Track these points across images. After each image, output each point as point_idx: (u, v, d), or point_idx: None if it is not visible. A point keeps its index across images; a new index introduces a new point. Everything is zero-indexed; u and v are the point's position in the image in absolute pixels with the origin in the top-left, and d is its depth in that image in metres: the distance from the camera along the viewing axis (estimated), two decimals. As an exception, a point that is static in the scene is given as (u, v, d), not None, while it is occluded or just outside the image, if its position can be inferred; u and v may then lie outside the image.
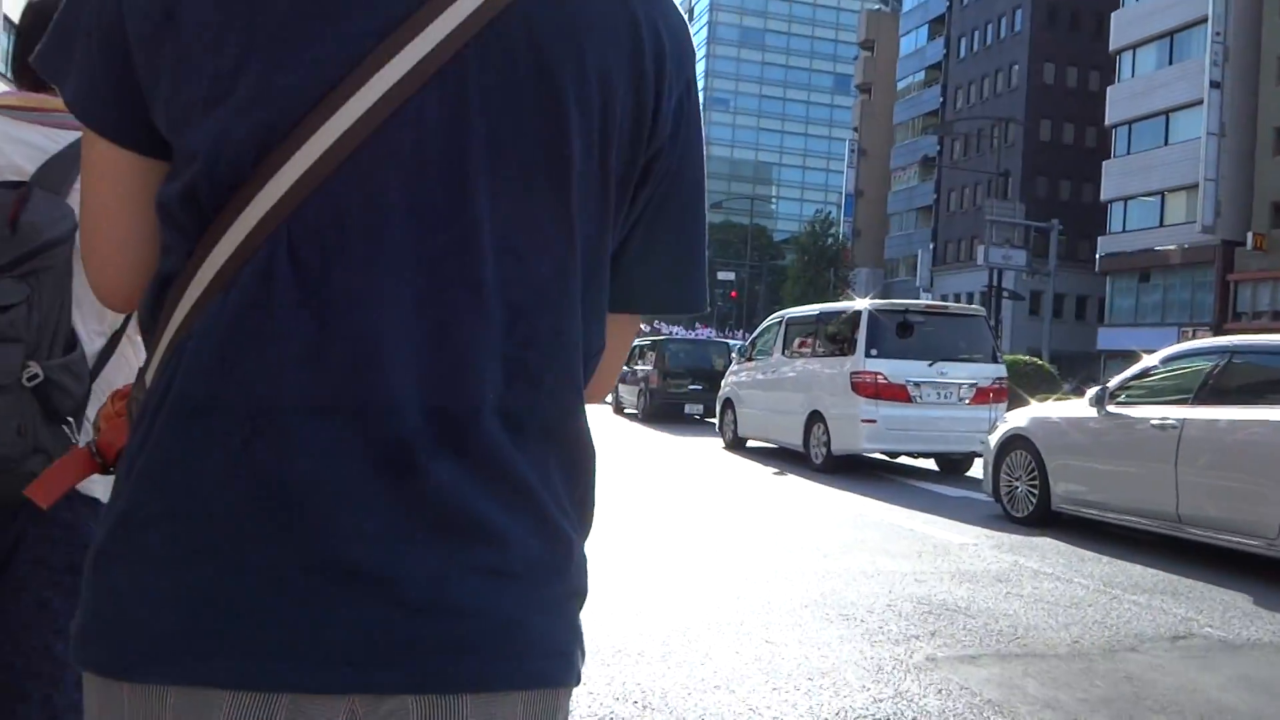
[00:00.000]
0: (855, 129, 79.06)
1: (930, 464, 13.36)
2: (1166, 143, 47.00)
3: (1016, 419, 9.09)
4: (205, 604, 0.80)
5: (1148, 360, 8.16)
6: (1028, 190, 55.05)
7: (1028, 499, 8.69)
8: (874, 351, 11.67)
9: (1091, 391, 8.17)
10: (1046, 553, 7.42)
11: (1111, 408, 7.93)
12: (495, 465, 0.85)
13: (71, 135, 1.69)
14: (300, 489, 0.81)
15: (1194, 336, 44.62)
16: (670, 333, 34.16)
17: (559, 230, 0.88)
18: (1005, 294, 41.56)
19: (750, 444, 15.22)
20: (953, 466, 12.76)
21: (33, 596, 1.66)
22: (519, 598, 0.86)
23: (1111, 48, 50.18)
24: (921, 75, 69.37)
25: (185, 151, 0.84)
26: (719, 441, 15.96)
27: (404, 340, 0.83)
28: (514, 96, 0.85)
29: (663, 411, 20.52)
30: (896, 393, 11.59)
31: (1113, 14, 50.05)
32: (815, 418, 12.47)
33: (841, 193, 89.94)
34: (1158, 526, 7.44)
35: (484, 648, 0.84)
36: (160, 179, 0.88)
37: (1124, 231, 49.55)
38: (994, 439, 9.21)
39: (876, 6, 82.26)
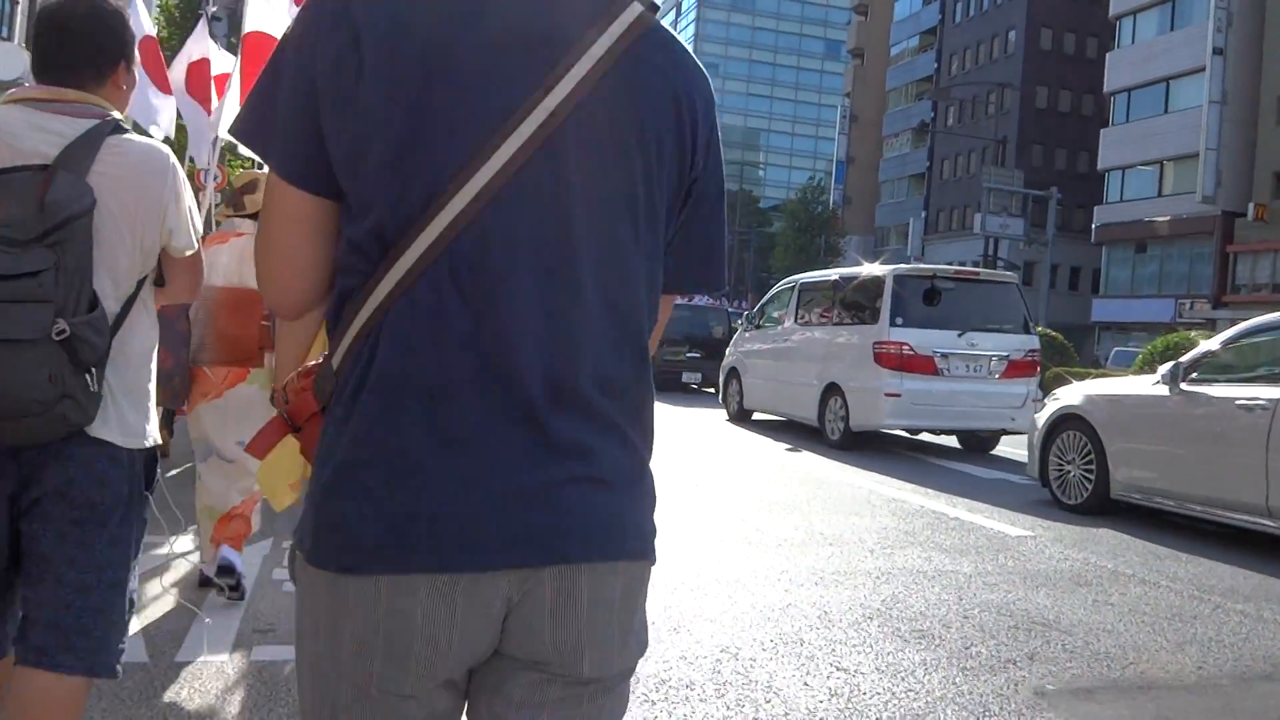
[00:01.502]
0: (847, 94, 77.75)
1: (952, 441, 12.55)
2: (1166, 111, 46.06)
3: (1069, 396, 8.25)
4: (407, 520, 1.15)
5: (1222, 335, 7.30)
6: (1023, 158, 54.11)
7: (1081, 485, 7.87)
8: (899, 320, 10.80)
9: (1164, 368, 7.31)
10: (1117, 549, 6.60)
11: (1186, 386, 7.09)
12: (591, 413, 1.22)
13: (88, 123, 2.17)
14: (467, 437, 1.16)
15: (1192, 309, 44.06)
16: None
17: (633, 246, 1.25)
18: (1000, 263, 40.78)
19: (756, 416, 14.38)
20: (979, 444, 11.96)
21: (54, 529, 2.17)
22: (612, 497, 1.23)
23: (1111, 13, 49.08)
24: (916, 40, 68.10)
25: (364, 199, 1.19)
26: (722, 413, 15.11)
27: (530, 332, 1.18)
28: (597, 156, 1.21)
29: (659, 380, 19.58)
30: (923, 365, 10.73)
31: (1114, -23, 48.97)
32: (832, 390, 11.61)
33: (831, 160, 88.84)
34: (1242, 520, 6.63)
35: (590, 534, 1.21)
36: (328, 215, 1.25)
37: (1121, 201, 48.65)
38: (1042, 418, 8.37)
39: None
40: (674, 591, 4.89)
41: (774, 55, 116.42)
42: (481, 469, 1.15)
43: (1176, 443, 7.11)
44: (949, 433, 11.92)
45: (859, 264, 13.71)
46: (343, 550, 1.15)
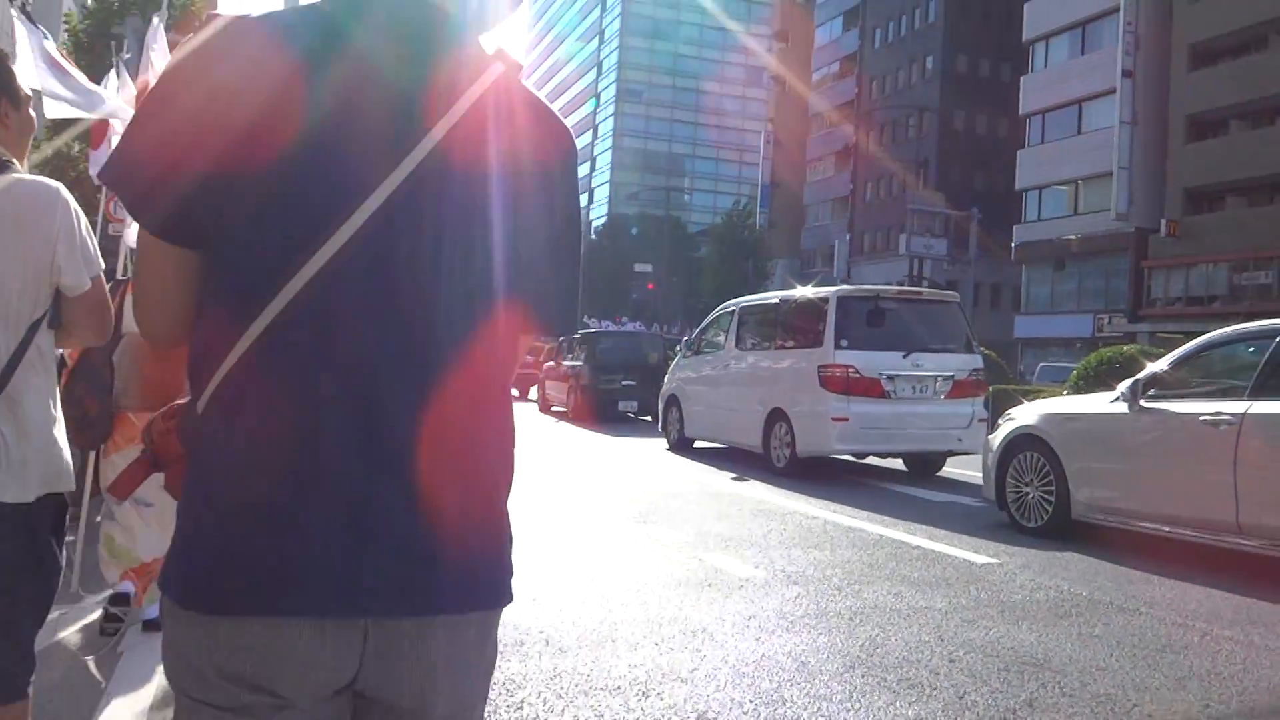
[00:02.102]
0: (770, 120, 78.39)
1: (897, 464, 12.34)
2: (1080, 132, 47.04)
3: (1024, 416, 8.05)
4: (273, 564, 1.18)
5: (1180, 350, 7.14)
6: (943, 180, 54.91)
7: (1041, 507, 7.65)
8: (844, 342, 10.57)
9: (1122, 386, 7.13)
10: (1087, 574, 6.36)
11: (1145, 403, 6.91)
12: (449, 460, 1.26)
13: None
14: (332, 483, 1.20)
15: (1110, 323, 44.83)
16: (600, 326, 32.93)
17: (485, 294, 1.29)
18: (925, 283, 41.15)
19: (698, 444, 14.06)
20: (925, 467, 11.75)
21: None
22: (472, 545, 1.30)
23: (1025, 38, 50.08)
24: (836, 66, 68.89)
25: (229, 253, 1.22)
26: (662, 442, 14.76)
27: (390, 381, 1.23)
28: (453, 211, 1.26)
29: (594, 409, 19.25)
30: (870, 387, 10.51)
31: (1025, 4, 49.92)
32: (777, 416, 11.33)
33: (756, 184, 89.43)
34: (1210, 538, 6.44)
35: (449, 584, 1.28)
36: (196, 263, 1.27)
37: (1039, 220, 49.52)
38: (996, 439, 8.15)
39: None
40: (636, 648, 4.51)
41: (697, 81, 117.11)
42: (346, 514, 1.20)
43: (1139, 461, 6.92)
44: (895, 455, 11.70)
45: (791, 287, 13.50)
46: (211, 593, 1.19)
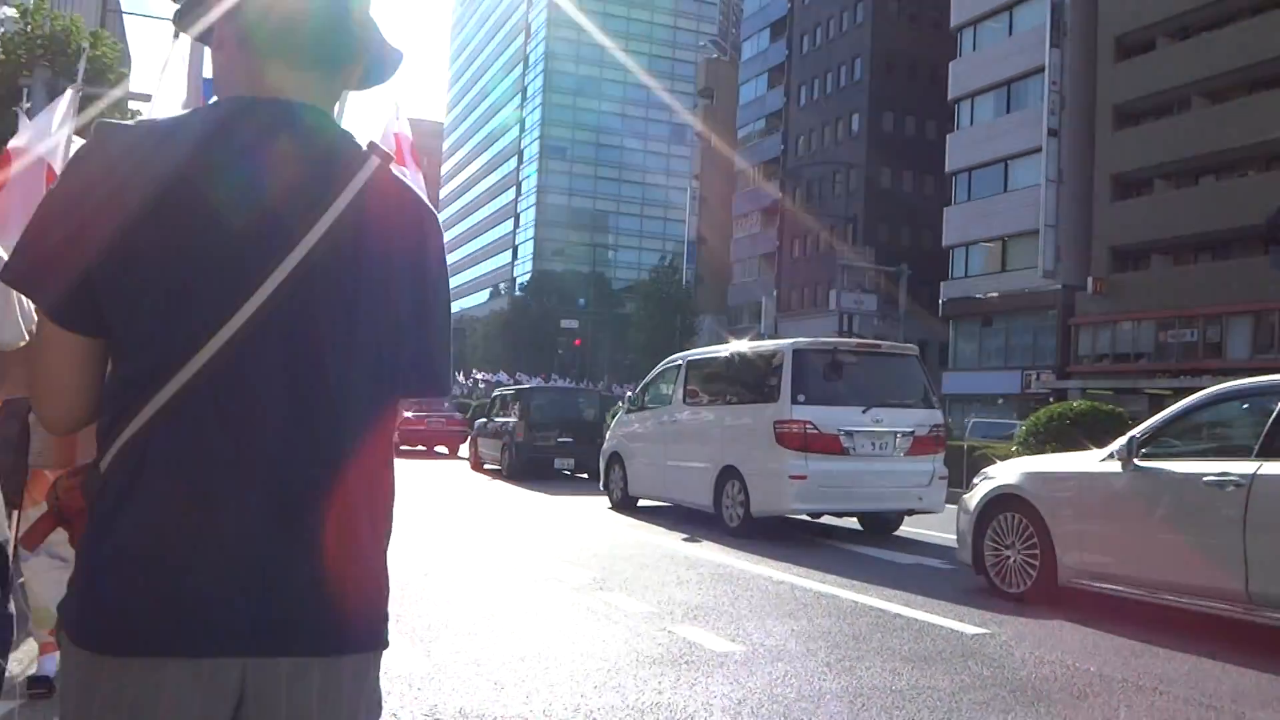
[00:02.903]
0: (696, 176, 78.85)
1: (852, 522, 11.87)
2: (1006, 189, 47.79)
3: (1003, 475, 7.61)
4: (159, 608, 1.29)
5: (1173, 408, 6.76)
6: (870, 237, 55.43)
7: (1024, 571, 7.19)
8: (801, 397, 10.11)
9: (1116, 445, 6.71)
10: (1087, 647, 5.89)
11: (1141, 462, 6.50)
12: (332, 516, 1.38)
13: None
14: (219, 538, 1.32)
15: (1038, 380, 45.27)
16: (529, 383, 32.31)
17: (366, 364, 1.42)
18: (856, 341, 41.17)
19: (642, 503, 13.46)
20: (882, 525, 11.29)
21: None
22: (348, 591, 1.40)
23: (950, 96, 50.96)
24: (762, 123, 69.60)
25: (131, 340, 1.35)
26: (603, 500, 14.12)
27: (281, 448, 1.35)
28: (336, 294, 1.39)
29: (530, 467, 18.54)
30: (828, 444, 10.04)
31: (951, 63, 50.88)
32: (729, 474, 10.81)
33: (680, 241, 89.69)
34: (1218, 608, 6.01)
35: (326, 628, 1.38)
36: (96, 349, 1.40)
37: (966, 277, 50.09)
38: (973, 499, 7.70)
39: (715, 55, 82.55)
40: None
41: (620, 139, 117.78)
42: (229, 566, 1.31)
43: (1136, 525, 6.50)
44: (853, 514, 11.23)
45: (722, 341, 13.08)
46: (102, 633, 1.30)
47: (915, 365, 10.97)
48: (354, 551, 1.39)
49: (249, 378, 1.33)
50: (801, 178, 60.91)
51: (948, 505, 11.15)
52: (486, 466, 20.80)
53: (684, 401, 12.10)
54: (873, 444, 10.22)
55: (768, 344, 11.51)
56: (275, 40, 1.43)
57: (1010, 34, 47.89)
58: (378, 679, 1.51)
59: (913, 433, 10.41)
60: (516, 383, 31.62)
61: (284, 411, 1.34)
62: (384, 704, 1.57)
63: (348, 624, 1.39)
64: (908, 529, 11.51)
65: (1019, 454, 15.47)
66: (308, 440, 1.36)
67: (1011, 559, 7.30)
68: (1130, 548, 6.48)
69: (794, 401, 10.06)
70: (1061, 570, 6.91)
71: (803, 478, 9.92)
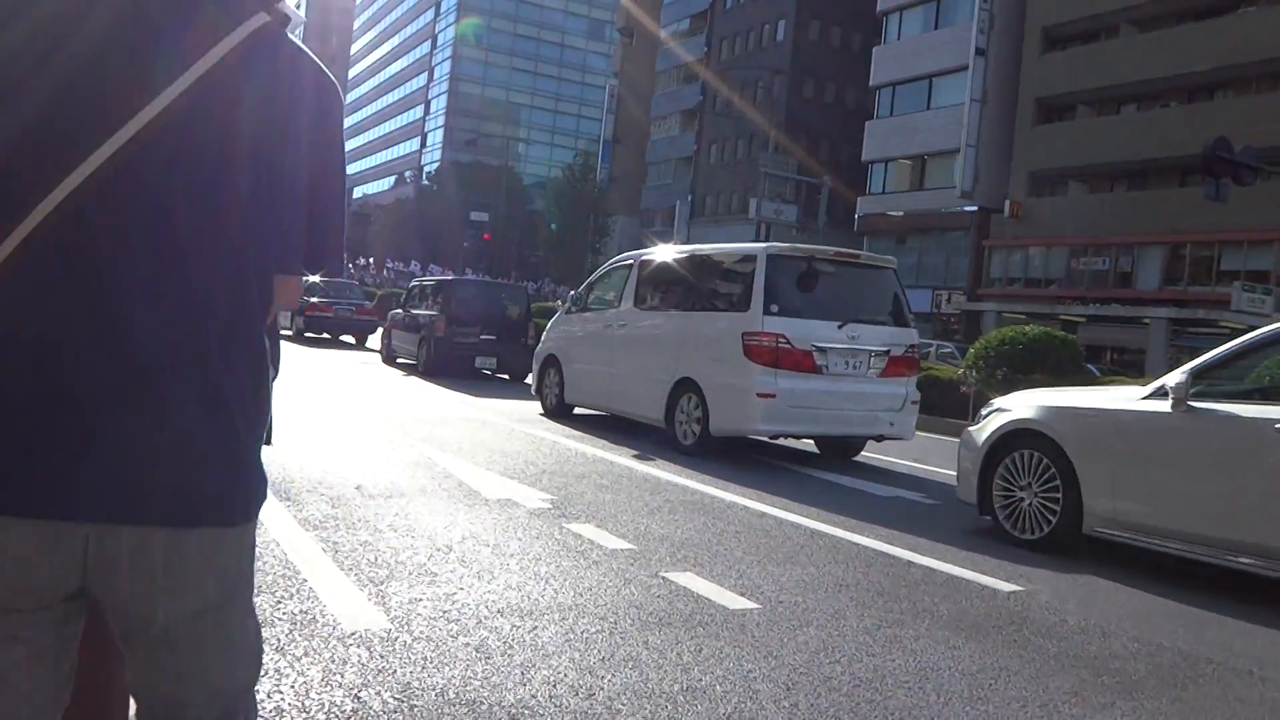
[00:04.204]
0: (615, 74, 76.66)
1: (806, 445, 11.09)
2: (929, 107, 47.21)
3: (1018, 407, 6.80)
4: (4, 464, 1.27)
5: (1234, 343, 5.97)
6: (787, 147, 54.49)
7: (1040, 516, 6.44)
8: (774, 308, 9.16)
9: (1170, 381, 5.90)
10: (1145, 614, 5.14)
11: (1196, 403, 5.73)
12: (192, 383, 1.36)
13: None
14: (68, 393, 1.28)
15: (949, 300, 45.29)
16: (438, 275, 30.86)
17: (237, 232, 1.37)
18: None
19: (578, 411, 12.48)
20: (840, 450, 10.52)
21: None
22: (205, 462, 1.39)
23: (879, 9, 49.93)
24: (686, 24, 67.62)
25: None
26: (533, 405, 13.12)
27: (136, 308, 1.30)
28: (202, 152, 1.33)
29: (449, 364, 17.39)
30: (800, 360, 9.15)
31: (882, -26, 49.78)
32: (685, 387, 9.87)
33: (593, 139, 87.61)
34: (1272, 567, 5.30)
35: (177, 497, 1.36)
36: None
37: (884, 193, 49.65)
38: (982, 433, 6.90)
39: (642, -52, 79.69)
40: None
41: (538, 31, 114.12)
42: (78, 425, 1.27)
43: (1186, 472, 5.75)
44: (818, 438, 10.42)
45: (649, 244, 12.10)
46: None
47: (892, 279, 10.09)
48: (210, 425, 1.35)
49: (96, 235, 1.28)
50: (724, 81, 59.48)
51: (919, 433, 10.45)
52: (400, 361, 19.58)
53: (635, 305, 11.06)
54: (846, 363, 9.37)
55: (736, 247, 10.53)
56: None
57: (945, -52, 46.87)
58: (242, 557, 1.47)
59: (888, 352, 9.58)
60: (428, 274, 30.10)
61: (137, 273, 1.30)
62: (341, 676, 1.59)
63: (196, 495, 1.35)
64: (866, 455, 10.78)
65: (970, 377, 14.87)
66: (162, 305, 1.31)
67: (1026, 501, 6.54)
68: (1180, 498, 5.73)
69: (766, 312, 9.11)
70: (1088, 518, 6.17)
71: (771, 395, 9.03)
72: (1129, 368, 31.90)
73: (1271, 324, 5.89)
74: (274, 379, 3.60)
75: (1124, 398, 6.27)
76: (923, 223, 46.89)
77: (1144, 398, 6.03)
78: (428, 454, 8.44)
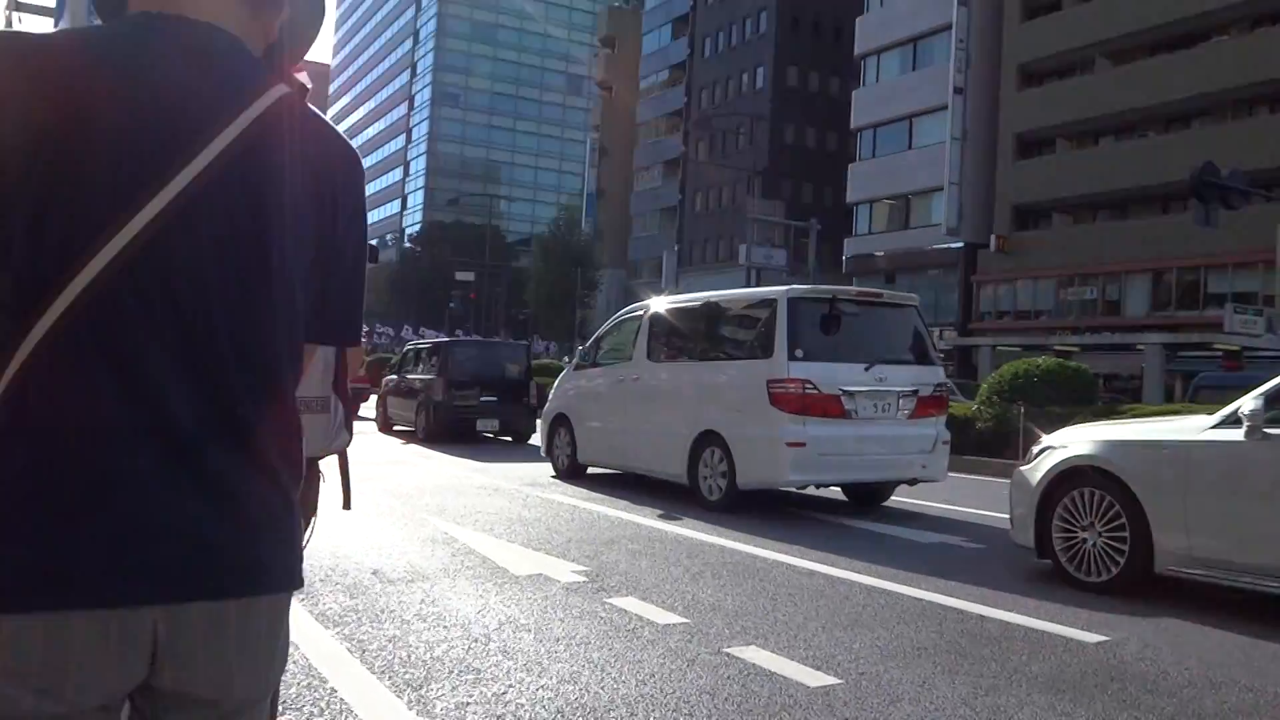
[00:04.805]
0: (596, 127, 76.96)
1: (834, 493, 10.72)
2: (910, 147, 47.36)
3: (1074, 443, 6.47)
4: (58, 559, 1.19)
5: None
6: (774, 191, 54.57)
7: (1106, 557, 6.08)
8: (799, 353, 8.84)
9: (1245, 407, 5.58)
10: (1244, 661, 4.77)
11: (1272, 429, 5.40)
12: (233, 454, 1.32)
13: None
14: (116, 478, 1.23)
15: (941, 337, 45.08)
16: (432, 337, 30.56)
17: (267, 304, 1.34)
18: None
19: (592, 471, 12.10)
20: (869, 496, 10.15)
21: None
22: (257, 533, 1.36)
23: (856, 52, 50.27)
24: (665, 74, 68.07)
25: (9, 262, 1.22)
26: (543, 468, 12.73)
27: (172, 382, 1.26)
28: (231, 224, 1.29)
29: (450, 429, 17.01)
30: (829, 406, 8.81)
31: (857, 19, 50.14)
32: (708, 440, 9.51)
33: (575, 194, 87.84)
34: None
35: (236, 569, 1.32)
36: None
37: (870, 234, 49.67)
38: (1036, 473, 6.56)
39: (618, 3, 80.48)
40: None
41: (516, 88, 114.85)
42: (129, 508, 1.22)
43: (1269, 503, 5.40)
44: (849, 485, 10.03)
45: (641, 297, 11.81)
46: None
47: (915, 317, 9.80)
48: (258, 491, 1.32)
49: (130, 310, 1.24)
50: (706, 130, 59.71)
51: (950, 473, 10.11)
52: (397, 428, 19.17)
53: (648, 357, 10.72)
54: (875, 406, 9.04)
55: (753, 291, 10.25)
56: None
57: (918, -9, 47.23)
58: (289, 624, 1.42)
59: (916, 392, 9.26)
60: (420, 336, 29.75)
61: (172, 349, 1.26)
62: None
63: (259, 562, 1.32)
64: (895, 499, 10.42)
65: (981, 413, 14.55)
66: (202, 380, 1.28)
67: (1090, 542, 6.18)
68: (1261, 531, 5.39)
69: (790, 357, 8.79)
70: (1160, 556, 5.82)
71: (801, 444, 8.68)
72: (1125, 394, 31.68)
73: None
74: (348, 444, 3.29)
75: (1190, 428, 5.94)
76: (910, 261, 46.88)
77: (1213, 426, 5.71)
78: (442, 528, 8.05)
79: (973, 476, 13.19)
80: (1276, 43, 32.91)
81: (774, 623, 5.25)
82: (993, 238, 42.55)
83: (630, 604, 5.59)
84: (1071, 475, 6.32)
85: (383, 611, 5.29)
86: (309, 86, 1.44)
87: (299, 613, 5.12)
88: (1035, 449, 6.81)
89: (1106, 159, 38.78)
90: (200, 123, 1.28)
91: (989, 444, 13.83)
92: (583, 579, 6.24)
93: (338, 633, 4.83)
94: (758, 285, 42.22)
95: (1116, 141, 39.86)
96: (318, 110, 1.45)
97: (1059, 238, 40.79)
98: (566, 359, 14.48)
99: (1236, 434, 5.53)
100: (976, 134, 43.06)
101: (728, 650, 4.69)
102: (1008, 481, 7.08)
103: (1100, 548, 6.12)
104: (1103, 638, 5.07)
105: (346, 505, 2.48)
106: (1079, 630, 5.21)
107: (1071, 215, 41.60)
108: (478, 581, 6.10)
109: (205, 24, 1.34)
